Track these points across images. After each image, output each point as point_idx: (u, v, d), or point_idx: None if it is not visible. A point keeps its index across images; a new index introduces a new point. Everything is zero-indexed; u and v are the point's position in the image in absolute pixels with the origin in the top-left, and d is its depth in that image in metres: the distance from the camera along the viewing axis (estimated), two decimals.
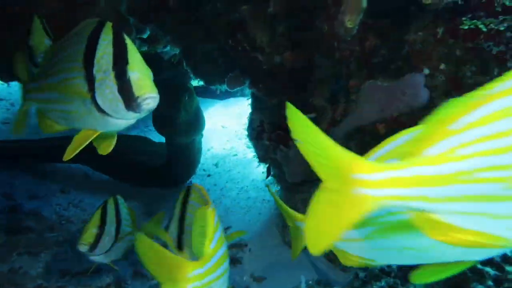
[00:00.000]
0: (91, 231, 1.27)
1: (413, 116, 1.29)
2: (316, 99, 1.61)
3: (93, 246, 1.26)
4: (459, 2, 1.11)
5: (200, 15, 1.68)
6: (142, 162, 2.68)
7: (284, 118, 1.67)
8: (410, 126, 1.31)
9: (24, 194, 2.58)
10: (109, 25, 0.87)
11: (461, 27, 1.15)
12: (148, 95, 0.83)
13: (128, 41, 0.86)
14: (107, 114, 0.87)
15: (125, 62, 0.83)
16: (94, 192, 2.73)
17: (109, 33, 0.85)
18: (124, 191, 2.62)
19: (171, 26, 1.83)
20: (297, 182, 1.71)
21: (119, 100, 0.84)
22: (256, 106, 1.96)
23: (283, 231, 1.89)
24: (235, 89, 2.00)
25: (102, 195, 2.72)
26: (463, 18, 1.15)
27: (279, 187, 2.05)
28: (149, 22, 1.84)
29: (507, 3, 1.09)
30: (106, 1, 1.80)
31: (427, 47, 1.26)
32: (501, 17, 1.11)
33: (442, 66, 1.24)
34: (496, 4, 1.11)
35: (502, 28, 1.10)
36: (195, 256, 0.95)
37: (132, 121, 0.90)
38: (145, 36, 2.06)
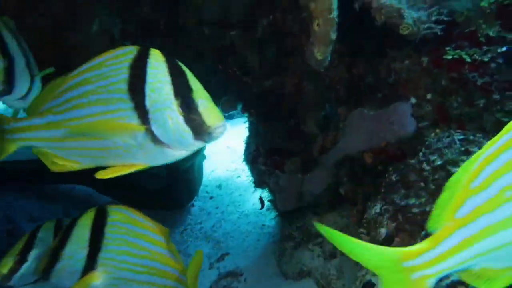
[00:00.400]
0: (7, 260, 1.13)
1: (400, 146, 1.29)
2: (307, 125, 1.61)
3: (7, 278, 1.12)
4: (439, 33, 1.10)
5: (189, 40, 1.71)
6: (144, 184, 2.71)
7: (276, 142, 1.67)
8: (397, 156, 1.31)
9: (26, 216, 2.64)
10: (157, 52, 0.83)
11: (444, 57, 1.14)
12: (220, 123, 0.80)
13: (184, 67, 0.83)
14: (166, 146, 0.83)
15: (189, 90, 0.80)
16: None
17: (159, 61, 0.81)
18: None
19: (163, 49, 1.87)
20: (289, 210, 1.72)
21: (186, 131, 0.80)
22: (252, 130, 1.98)
23: (280, 260, 1.89)
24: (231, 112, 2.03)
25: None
26: (447, 48, 1.14)
27: (276, 214, 2.05)
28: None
29: (490, 33, 1.09)
30: (99, 25, 1.86)
31: (413, 76, 1.26)
32: (485, 48, 1.10)
33: (429, 96, 1.24)
34: (479, 35, 1.10)
35: (486, 59, 1.10)
36: (109, 275, 0.98)
37: (192, 151, 0.86)
38: None
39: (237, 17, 1.52)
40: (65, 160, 0.92)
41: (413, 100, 1.26)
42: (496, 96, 1.10)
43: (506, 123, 1.08)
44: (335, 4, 1.01)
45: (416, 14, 1.06)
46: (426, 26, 1.08)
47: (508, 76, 1.08)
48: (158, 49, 1.93)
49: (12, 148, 0.95)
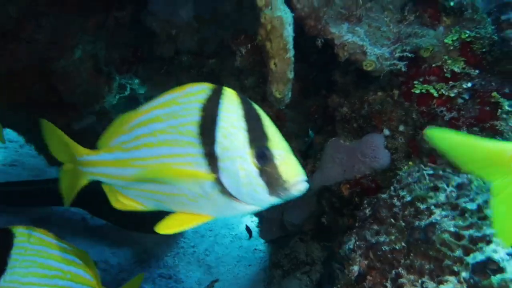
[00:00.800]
0: None
1: (374, 178, 1.32)
2: None
3: None
4: (403, 69, 1.14)
5: (170, 68, 1.77)
6: None
7: None
8: (371, 189, 1.34)
9: None
10: (231, 92, 0.77)
11: (413, 91, 1.18)
12: (299, 178, 0.73)
13: (260, 111, 0.76)
14: (236, 199, 0.76)
15: (265, 138, 0.73)
16: (90, 238, 2.84)
17: (233, 102, 0.75)
18: (118, 237, 2.73)
19: (146, 76, 1.94)
20: (274, 239, 1.76)
21: (260, 185, 0.73)
22: None
23: None
24: None
25: (97, 241, 2.83)
26: (415, 82, 1.18)
27: (265, 240, 2.10)
28: (124, 72, 1.96)
29: (455, 69, 1.12)
30: (82, 52, 1.92)
31: (386, 107, 1.29)
32: (451, 83, 1.14)
33: (402, 128, 1.27)
34: (445, 70, 1.14)
35: (452, 95, 1.13)
36: None
37: (265, 207, 0.78)
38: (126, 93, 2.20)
39: (214, 47, 1.57)
40: (128, 199, 0.89)
41: (386, 132, 1.30)
42: (464, 131, 1.14)
43: None
44: (291, 44, 1.05)
45: (379, 51, 1.10)
46: (389, 63, 1.12)
47: (474, 112, 1.12)
48: (142, 75, 1.98)
49: (84, 180, 0.93)
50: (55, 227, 2.84)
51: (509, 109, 1.06)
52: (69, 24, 1.85)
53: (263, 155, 0.72)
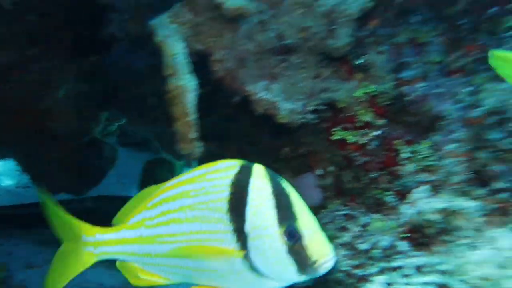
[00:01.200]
0: None
1: None
2: None
3: None
4: (313, 121, 1.30)
5: (142, 106, 1.97)
6: None
7: None
8: None
9: (21, 263, 2.88)
10: (260, 170, 0.80)
11: (332, 137, 1.33)
12: (327, 258, 0.77)
13: (288, 187, 0.79)
14: (264, 276, 0.79)
15: (293, 217, 0.76)
16: None
17: (263, 180, 0.79)
18: None
19: (126, 112, 2.14)
20: None
21: (289, 264, 0.77)
22: None
23: None
24: None
25: (99, 263, 3.00)
26: (334, 129, 1.33)
27: None
28: (106, 109, 2.17)
29: (366, 119, 1.28)
30: (66, 92, 2.15)
31: (319, 148, 1.44)
32: (362, 131, 1.28)
33: (331, 169, 1.42)
34: (358, 120, 1.29)
35: (364, 142, 1.28)
36: None
37: (293, 283, 0.82)
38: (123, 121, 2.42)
39: None
40: (152, 274, 0.90)
41: (319, 172, 1.45)
42: (375, 175, 1.28)
43: (381, 199, 1.25)
44: (192, 109, 1.21)
45: (291, 106, 1.26)
46: (301, 116, 1.28)
47: (382, 158, 1.26)
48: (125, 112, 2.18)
49: (91, 261, 0.93)
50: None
51: (407, 155, 1.21)
52: (53, 67, 2.07)
53: (292, 235, 0.76)
